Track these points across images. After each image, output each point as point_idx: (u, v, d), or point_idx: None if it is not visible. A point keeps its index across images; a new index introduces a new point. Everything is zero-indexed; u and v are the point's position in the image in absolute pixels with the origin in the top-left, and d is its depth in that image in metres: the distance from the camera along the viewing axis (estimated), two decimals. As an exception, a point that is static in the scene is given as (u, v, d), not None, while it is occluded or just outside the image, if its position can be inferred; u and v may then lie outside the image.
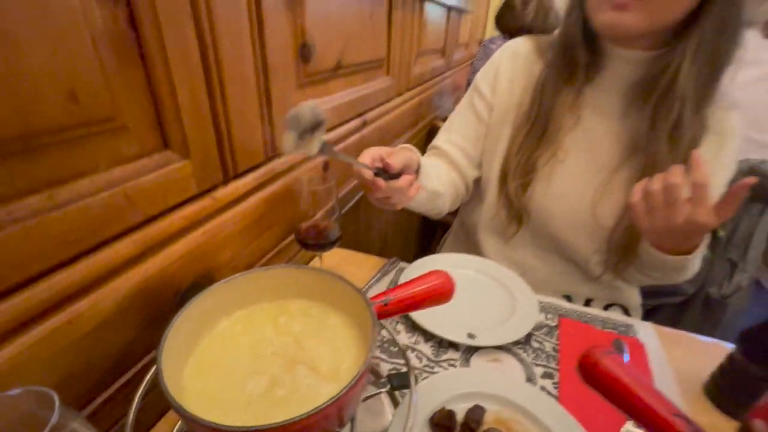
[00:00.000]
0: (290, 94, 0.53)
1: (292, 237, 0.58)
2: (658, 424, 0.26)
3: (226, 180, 0.44)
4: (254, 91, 0.45)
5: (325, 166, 0.65)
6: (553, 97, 0.57)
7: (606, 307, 0.71)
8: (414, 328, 0.52)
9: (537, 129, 0.58)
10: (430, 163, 0.61)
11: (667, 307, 1.24)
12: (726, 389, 0.42)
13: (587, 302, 0.70)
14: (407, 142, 1.11)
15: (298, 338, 0.33)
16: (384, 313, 0.33)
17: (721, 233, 1.10)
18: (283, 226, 0.56)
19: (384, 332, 0.51)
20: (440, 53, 1.40)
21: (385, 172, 0.47)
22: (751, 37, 1.12)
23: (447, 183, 0.65)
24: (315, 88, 0.59)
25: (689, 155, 0.41)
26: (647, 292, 1.22)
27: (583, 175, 0.57)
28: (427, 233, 1.71)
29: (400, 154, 0.49)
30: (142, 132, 0.33)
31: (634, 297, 0.71)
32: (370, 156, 0.46)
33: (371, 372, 0.42)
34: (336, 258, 0.65)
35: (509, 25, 1.43)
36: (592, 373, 0.28)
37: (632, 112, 0.53)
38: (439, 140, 0.70)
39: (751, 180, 0.40)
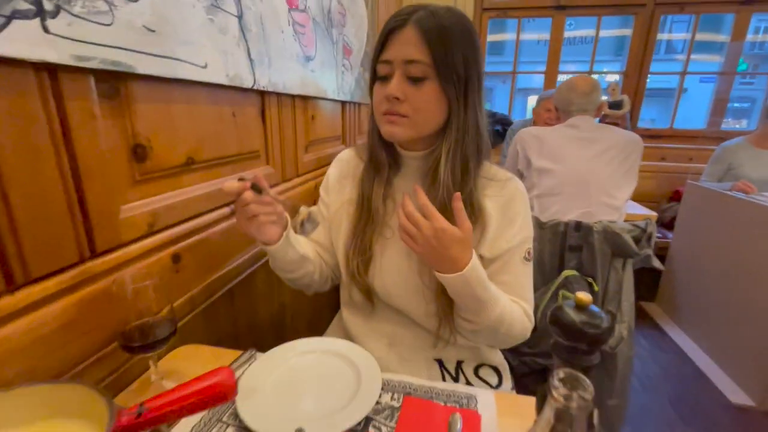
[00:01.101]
0: (122, 191, 0.54)
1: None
2: None
3: (12, 288, 0.41)
4: (59, 195, 0.45)
5: (176, 258, 0.64)
6: (370, 188, 0.69)
7: (476, 368, 0.74)
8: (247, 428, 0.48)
9: (365, 215, 0.69)
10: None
11: (569, 364, 1.28)
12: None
13: (458, 364, 0.73)
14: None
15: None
16: (137, 425, 0.30)
17: (597, 288, 1.21)
18: (108, 331, 0.52)
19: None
20: (340, 140, 1.52)
21: (257, 189, 0.57)
22: (586, 121, 1.37)
23: (313, 252, 0.75)
24: (158, 183, 0.60)
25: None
26: (543, 353, 1.26)
27: (407, 250, 0.65)
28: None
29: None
30: None
31: (497, 355, 0.77)
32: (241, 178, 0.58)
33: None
34: (179, 357, 0.60)
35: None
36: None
37: (430, 191, 0.65)
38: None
39: (458, 194, 0.55)
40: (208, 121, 0.70)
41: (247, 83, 0.77)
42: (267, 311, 0.97)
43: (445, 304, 0.64)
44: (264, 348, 0.62)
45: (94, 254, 0.50)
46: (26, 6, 0.37)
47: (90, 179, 0.48)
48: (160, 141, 0.59)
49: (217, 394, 0.33)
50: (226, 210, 0.77)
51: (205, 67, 0.64)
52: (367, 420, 0.50)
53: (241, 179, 0.57)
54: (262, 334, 0.92)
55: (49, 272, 0.45)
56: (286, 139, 1.02)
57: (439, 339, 0.69)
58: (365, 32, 1.64)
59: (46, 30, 0.39)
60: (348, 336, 0.80)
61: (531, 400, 0.55)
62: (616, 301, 1.21)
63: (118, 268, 0.53)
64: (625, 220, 1.30)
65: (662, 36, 2.51)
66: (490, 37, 2.93)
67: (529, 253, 0.66)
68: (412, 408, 0.52)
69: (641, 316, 2.25)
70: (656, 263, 1.21)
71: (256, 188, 0.57)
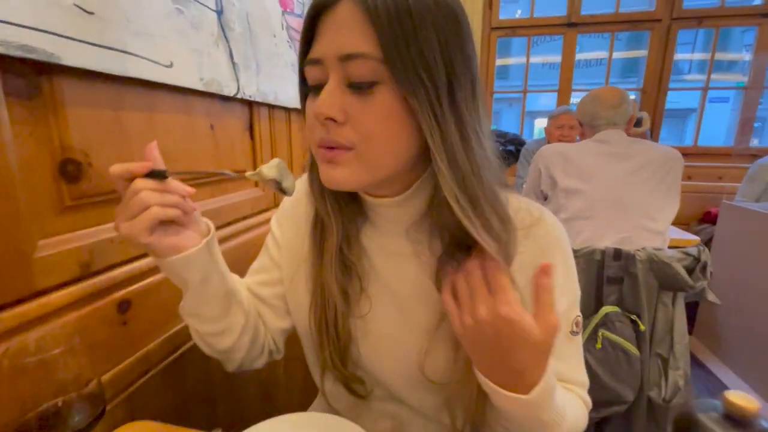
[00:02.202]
0: (42, 221, 0.40)
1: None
2: None
3: None
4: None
5: (124, 306, 0.49)
6: (320, 262, 0.47)
7: None
8: None
9: (324, 294, 0.47)
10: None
11: (615, 417, 1.09)
12: None
13: None
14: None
15: None
16: None
17: (643, 327, 1.03)
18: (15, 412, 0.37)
19: None
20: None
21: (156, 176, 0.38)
22: (617, 135, 1.22)
23: (246, 295, 0.52)
24: (98, 210, 0.47)
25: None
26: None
27: (399, 329, 0.48)
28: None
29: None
30: None
31: None
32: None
33: None
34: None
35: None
36: None
37: (424, 251, 0.46)
38: (250, 282, 0.56)
39: (547, 265, 0.36)
40: (177, 134, 0.58)
41: (229, 90, 0.65)
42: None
43: (462, 395, 0.44)
44: (246, 420, 0.46)
45: (-12, 311, 0.36)
46: None
47: (-15, 206, 0.35)
48: (104, 156, 0.46)
49: None
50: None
51: (169, 66, 0.52)
52: None
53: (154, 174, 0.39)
54: (244, 400, 0.76)
55: None
56: (279, 157, 0.89)
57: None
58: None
59: None
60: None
61: None
62: (667, 343, 1.03)
63: (29, 326, 0.39)
64: (669, 247, 1.13)
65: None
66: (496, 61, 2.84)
67: (577, 324, 0.47)
68: None
69: (679, 351, 2.02)
70: (712, 297, 1.03)
71: (158, 175, 0.38)
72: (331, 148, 0.37)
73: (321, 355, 0.49)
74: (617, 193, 1.14)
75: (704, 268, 0.99)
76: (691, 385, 1.03)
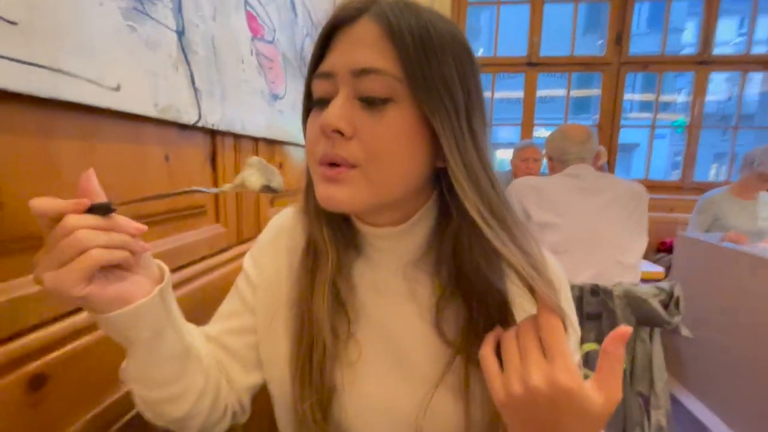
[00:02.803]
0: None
1: None
2: None
3: None
4: None
5: (36, 382, 0.39)
6: (310, 293, 0.42)
7: None
8: None
9: (310, 338, 0.41)
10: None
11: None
12: None
13: None
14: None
15: None
16: None
17: (624, 365, 1.01)
18: None
19: None
20: (314, 191, 1.33)
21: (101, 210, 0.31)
22: (586, 170, 1.25)
23: (205, 350, 0.44)
24: (10, 261, 0.37)
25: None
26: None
27: (393, 380, 0.43)
28: None
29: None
30: None
31: None
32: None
33: None
34: None
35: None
36: None
37: (425, 290, 0.43)
38: (212, 330, 0.49)
39: (625, 330, 0.32)
40: (123, 166, 0.49)
41: (189, 118, 0.58)
42: None
43: None
44: None
45: None
46: None
47: None
48: (23, 193, 0.37)
49: None
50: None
51: (116, 89, 0.44)
52: None
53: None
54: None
55: None
56: (244, 192, 0.81)
57: None
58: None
59: None
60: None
61: None
62: (647, 380, 1.01)
63: None
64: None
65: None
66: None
67: (580, 365, 0.43)
68: None
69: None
70: (685, 331, 1.04)
71: (101, 209, 0.31)
72: (334, 165, 0.35)
73: (299, 410, 0.41)
74: (591, 228, 1.15)
75: (678, 303, 1.00)
76: (672, 424, 1.02)
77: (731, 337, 1.67)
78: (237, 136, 0.76)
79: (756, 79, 2.64)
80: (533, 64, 2.75)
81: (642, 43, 2.61)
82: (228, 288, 0.75)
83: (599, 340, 1.05)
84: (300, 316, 0.43)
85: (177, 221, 0.62)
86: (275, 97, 0.89)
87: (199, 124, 0.61)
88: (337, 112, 0.34)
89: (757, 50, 2.70)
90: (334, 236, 0.42)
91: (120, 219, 0.32)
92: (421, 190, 0.40)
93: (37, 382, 0.39)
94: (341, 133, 0.34)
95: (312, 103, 0.38)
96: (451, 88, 0.34)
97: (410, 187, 0.38)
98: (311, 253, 0.43)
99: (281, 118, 0.93)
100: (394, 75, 0.34)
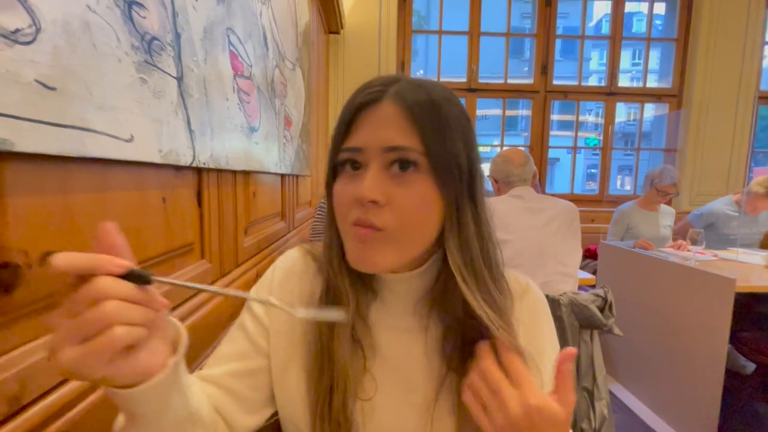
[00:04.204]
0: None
1: None
2: None
3: None
4: None
5: None
6: (330, 336, 0.45)
7: None
8: None
9: (328, 373, 0.44)
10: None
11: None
12: None
13: None
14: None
15: None
16: None
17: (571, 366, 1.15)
18: None
19: None
20: (279, 216, 1.33)
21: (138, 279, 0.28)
22: (527, 191, 1.41)
23: (207, 408, 0.42)
24: (33, 323, 0.36)
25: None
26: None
27: (404, 410, 0.47)
28: None
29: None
30: None
31: None
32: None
33: None
34: None
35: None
36: None
37: (430, 325, 0.48)
38: (211, 372, 0.48)
39: (572, 351, 0.39)
40: (129, 214, 0.49)
41: (185, 160, 0.59)
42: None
43: None
44: None
45: None
46: None
47: None
48: (44, 250, 0.37)
49: None
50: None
51: (130, 140, 0.45)
52: None
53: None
54: None
55: None
56: (225, 224, 0.82)
57: None
58: (303, 103, 1.56)
59: None
60: None
61: None
62: (590, 377, 1.16)
63: None
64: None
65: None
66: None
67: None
68: None
69: (583, 374, 2.29)
70: (617, 330, 1.21)
71: (137, 277, 0.28)
72: (366, 227, 0.39)
73: None
74: (537, 243, 1.30)
75: (611, 307, 1.17)
76: (612, 414, 1.17)
77: (645, 330, 1.95)
78: (220, 171, 0.77)
79: (651, 107, 3.13)
80: (473, 90, 2.99)
81: (559, 68, 2.98)
82: (216, 323, 0.75)
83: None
84: (319, 357, 0.45)
85: (172, 260, 0.61)
86: (252, 129, 0.91)
87: (193, 165, 0.62)
88: (372, 185, 0.39)
89: (650, 83, 3.22)
90: (353, 284, 0.46)
91: (153, 293, 0.30)
92: (435, 241, 0.44)
93: (59, 444, 0.38)
94: (376, 203, 0.39)
95: (337, 171, 0.43)
96: (459, 160, 0.41)
97: (428, 244, 0.43)
98: (331, 300, 0.46)
99: (256, 149, 0.95)
100: (418, 150, 0.39)
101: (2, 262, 0.33)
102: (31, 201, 0.35)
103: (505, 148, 1.60)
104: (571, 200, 1.45)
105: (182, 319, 0.64)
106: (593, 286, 1.64)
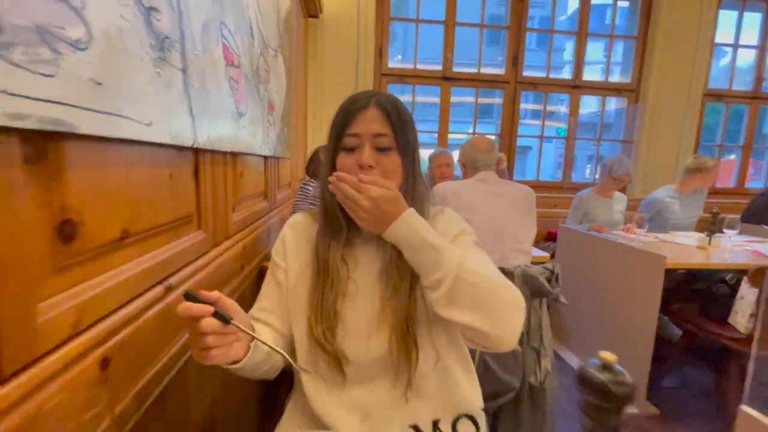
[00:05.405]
0: (41, 284, 0.40)
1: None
2: None
3: None
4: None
5: (105, 363, 0.49)
6: (327, 250, 0.73)
7: (454, 424, 0.73)
8: None
9: (323, 277, 0.72)
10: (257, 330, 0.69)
11: (505, 406, 1.35)
12: None
13: (435, 425, 0.72)
14: (235, 289, 1.00)
15: None
16: None
17: (521, 329, 1.32)
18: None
19: None
20: (262, 196, 1.42)
21: (221, 318, 0.53)
22: (491, 176, 1.56)
23: (272, 337, 0.74)
24: (87, 267, 0.47)
25: None
26: (486, 396, 1.29)
27: (367, 310, 0.72)
28: (268, 402, 1.48)
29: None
30: None
31: (474, 400, 0.76)
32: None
33: None
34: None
35: (315, 173, 1.62)
36: None
37: (388, 244, 0.70)
38: (253, 310, 0.79)
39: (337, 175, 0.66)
40: (145, 186, 0.59)
41: (188, 141, 0.68)
42: (200, 410, 0.80)
43: (404, 323, 0.69)
44: None
45: (2, 380, 0.35)
46: (-49, 49, 0.27)
47: (2, 277, 0.35)
48: (93, 213, 0.47)
49: None
50: (159, 289, 0.63)
51: (149, 125, 0.54)
52: None
53: (188, 296, 0.52)
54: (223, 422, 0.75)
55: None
56: (217, 200, 0.91)
57: (407, 380, 0.69)
58: (284, 88, 1.63)
59: (-26, 81, 0.29)
60: (312, 418, 0.71)
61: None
62: (538, 338, 1.34)
63: (32, 394, 0.38)
64: (531, 262, 1.48)
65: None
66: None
67: (477, 243, 0.75)
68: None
69: (540, 344, 2.53)
70: (563, 299, 1.40)
71: (220, 317, 0.52)
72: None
73: (314, 334, 0.69)
74: (496, 223, 1.46)
75: (557, 278, 1.34)
76: (554, 368, 1.36)
77: (593, 302, 2.19)
78: (213, 152, 0.86)
79: (613, 100, 3.35)
80: (447, 78, 3.11)
81: (533, 58, 3.14)
82: (211, 283, 0.87)
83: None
84: (318, 267, 0.73)
85: (176, 229, 0.71)
86: (240, 114, 0.99)
87: (194, 146, 0.71)
88: (369, 155, 0.69)
89: (615, 76, 3.43)
90: (345, 220, 0.72)
91: (232, 328, 0.55)
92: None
93: (105, 363, 0.48)
94: (371, 166, 0.69)
95: (340, 149, 0.72)
96: (410, 144, 0.73)
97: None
98: (329, 229, 0.75)
99: (244, 132, 1.03)
100: (391, 136, 0.70)
101: (64, 219, 0.43)
102: (82, 172, 0.45)
103: (473, 136, 1.73)
104: (535, 186, 1.61)
105: (187, 279, 0.74)
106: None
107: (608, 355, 0.43)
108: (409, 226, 0.62)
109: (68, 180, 0.43)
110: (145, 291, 0.59)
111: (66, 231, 0.43)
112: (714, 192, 3.37)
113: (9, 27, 0.32)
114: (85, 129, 0.41)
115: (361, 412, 0.70)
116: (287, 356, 0.60)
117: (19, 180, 0.37)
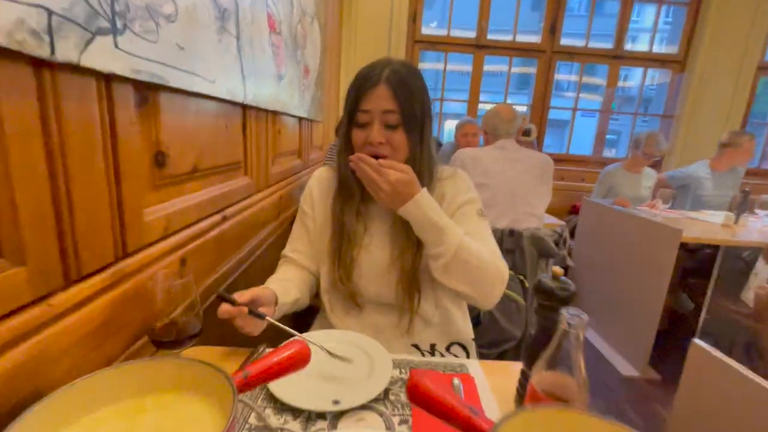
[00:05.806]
0: (144, 195, 0.56)
1: (144, 339, 0.55)
2: (461, 419, 0.35)
3: (68, 284, 0.42)
4: (104, 195, 0.47)
5: (183, 261, 0.66)
6: (341, 212, 0.83)
7: (448, 347, 0.86)
8: (282, 409, 0.53)
9: (341, 235, 0.83)
10: (284, 278, 0.82)
11: (508, 352, 1.49)
12: (523, 396, 0.56)
13: (432, 347, 0.85)
14: (271, 233, 1.17)
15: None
16: (246, 385, 0.36)
17: (527, 285, 1.44)
18: (134, 329, 0.53)
19: (252, 419, 0.51)
20: (296, 154, 1.57)
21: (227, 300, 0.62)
22: (510, 143, 1.63)
23: (301, 286, 0.83)
24: (171, 189, 0.63)
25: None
26: (490, 343, 1.43)
27: (379, 258, 0.83)
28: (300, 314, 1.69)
29: (251, 291, 0.66)
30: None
31: (464, 331, 0.90)
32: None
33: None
34: (197, 356, 0.62)
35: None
36: (414, 393, 0.37)
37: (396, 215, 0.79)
38: (285, 250, 0.91)
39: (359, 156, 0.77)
40: (209, 133, 0.74)
41: (239, 98, 0.82)
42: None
43: (410, 276, 0.80)
44: (270, 341, 0.67)
45: (126, 254, 0.52)
46: (105, 24, 0.41)
47: (127, 181, 0.51)
48: (175, 149, 0.62)
49: (298, 361, 0.40)
50: (218, 217, 0.80)
51: (214, 82, 0.69)
52: (386, 390, 0.58)
53: (221, 297, 0.61)
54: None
55: (94, 270, 0.46)
56: (260, 152, 1.06)
57: (410, 318, 0.82)
58: (319, 53, 1.73)
59: (116, 45, 0.43)
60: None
61: (505, 364, 0.70)
62: (542, 295, 1.45)
63: (142, 269, 0.55)
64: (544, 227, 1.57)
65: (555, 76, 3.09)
66: (419, 65, 3.22)
67: (481, 211, 0.83)
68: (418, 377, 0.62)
69: (552, 312, 2.63)
70: (569, 261, 1.49)
71: (259, 316, 0.62)
72: (375, 157, 0.74)
73: (333, 278, 0.81)
74: (511, 188, 1.55)
75: (565, 241, 1.43)
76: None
77: (609, 272, 2.24)
78: (258, 109, 1.00)
79: (656, 74, 3.20)
80: (481, 47, 3.08)
81: (578, 24, 3.02)
82: (254, 223, 1.03)
83: (512, 269, 1.52)
84: (336, 223, 0.83)
85: (229, 172, 0.87)
86: (280, 77, 1.12)
87: (244, 103, 0.85)
88: (379, 133, 0.75)
89: (658, 48, 3.26)
90: (360, 185, 0.79)
91: (260, 323, 0.64)
92: (405, 162, 0.76)
93: (183, 262, 0.66)
94: (381, 143, 0.74)
95: (353, 124, 0.78)
96: (418, 118, 0.76)
97: (404, 162, 0.76)
98: (344, 194, 0.84)
99: (283, 93, 1.17)
100: (399, 112, 0.74)
101: (158, 151, 0.58)
102: (169, 117, 0.60)
103: (497, 104, 1.79)
104: (564, 160, 1.66)
105: (236, 214, 0.91)
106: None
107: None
108: (419, 207, 0.71)
109: (161, 122, 0.58)
110: (209, 216, 0.76)
111: (159, 160, 0.58)
112: (754, 173, 3.22)
113: (133, 7, 0.46)
114: (173, 83, 0.56)
115: (374, 329, 0.85)
116: (291, 330, 0.66)
117: (133, 117, 0.52)
